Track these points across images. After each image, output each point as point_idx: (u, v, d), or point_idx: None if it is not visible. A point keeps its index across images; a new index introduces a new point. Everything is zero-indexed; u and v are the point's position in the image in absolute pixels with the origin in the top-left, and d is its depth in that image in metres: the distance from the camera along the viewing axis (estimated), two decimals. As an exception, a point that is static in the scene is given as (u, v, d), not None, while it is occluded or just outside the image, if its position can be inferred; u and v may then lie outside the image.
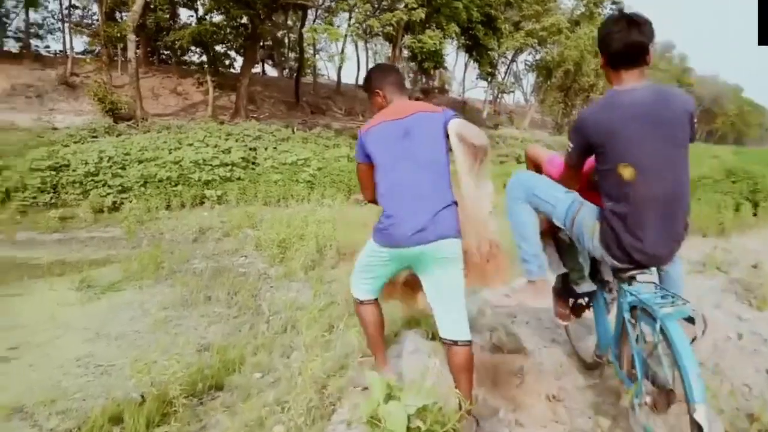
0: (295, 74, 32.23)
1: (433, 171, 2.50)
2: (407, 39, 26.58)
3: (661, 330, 2.09)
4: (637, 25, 2.21)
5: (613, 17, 2.31)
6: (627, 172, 2.17)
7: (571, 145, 2.35)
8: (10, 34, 29.71)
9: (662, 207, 2.19)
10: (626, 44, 2.20)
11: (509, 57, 39.44)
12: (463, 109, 40.14)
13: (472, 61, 37.05)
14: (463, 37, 30.86)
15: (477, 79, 40.34)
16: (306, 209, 11.27)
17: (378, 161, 2.58)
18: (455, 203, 2.52)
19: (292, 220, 9.39)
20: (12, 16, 29.24)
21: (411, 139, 2.54)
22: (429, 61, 27.62)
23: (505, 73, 41.85)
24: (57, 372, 3.91)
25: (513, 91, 47.26)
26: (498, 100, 44.82)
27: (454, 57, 41.54)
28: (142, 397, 3.16)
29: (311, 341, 3.53)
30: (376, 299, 2.84)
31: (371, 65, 38.11)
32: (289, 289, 6.07)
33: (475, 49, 32.86)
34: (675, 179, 2.21)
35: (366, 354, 3.18)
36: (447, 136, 2.56)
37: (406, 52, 29.46)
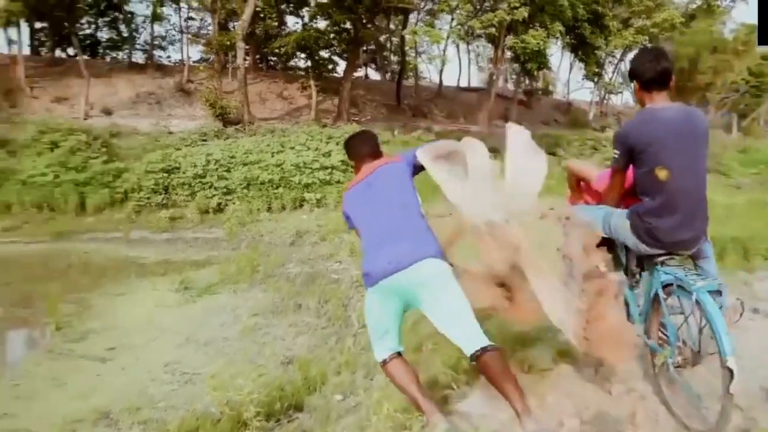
0: (396, 77, 32.33)
1: (398, 207, 2.76)
2: (510, 39, 25.68)
3: (695, 300, 2.52)
4: (663, 55, 2.79)
5: (642, 51, 2.92)
6: (662, 174, 2.66)
7: (618, 152, 2.83)
8: (138, 46, 32.37)
9: (689, 201, 2.71)
10: (657, 71, 2.73)
11: (617, 56, 37.04)
12: (567, 110, 38.48)
13: (577, 61, 35.33)
14: (568, 36, 29.40)
15: (583, 79, 38.37)
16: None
17: (354, 217, 2.88)
18: (429, 229, 2.73)
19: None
20: (140, 30, 31.90)
21: (374, 188, 2.86)
22: (532, 62, 26.52)
23: (613, 72, 39.43)
24: (145, 377, 3.96)
25: (621, 92, 44.34)
26: (605, 101, 42.40)
27: (559, 57, 39.99)
28: (221, 413, 3.07)
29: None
30: (399, 353, 2.73)
31: (472, 68, 37.35)
32: (380, 299, 5.87)
33: (580, 48, 31.20)
34: (698, 180, 2.75)
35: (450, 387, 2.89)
36: (414, 173, 2.95)
37: (508, 53, 28.56)
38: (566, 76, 51.69)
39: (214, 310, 5.64)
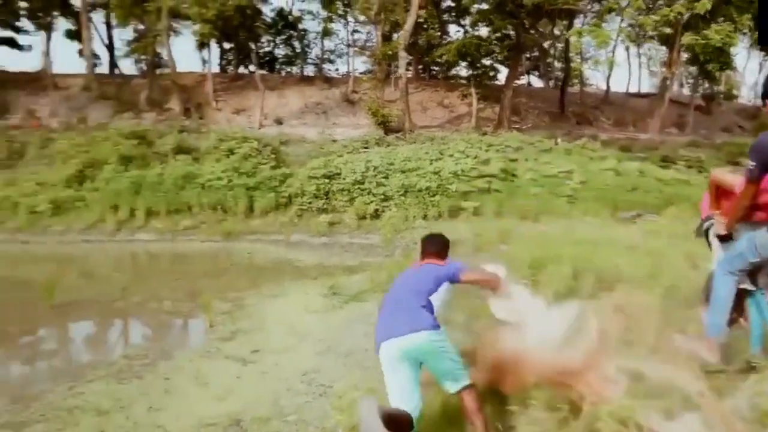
0: (560, 84, 30.79)
1: (409, 292, 3.14)
2: (687, 37, 22.60)
3: None
4: None
5: None
6: None
7: (753, 164, 2.87)
8: (309, 61, 34.74)
9: None
10: None
11: (825, 51, 31.66)
12: (755, 116, 33.71)
13: None
14: (758, 31, 25.41)
15: (774, 81, 33.19)
16: (564, 226, 10.23)
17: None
18: (425, 308, 3.05)
19: (548, 238, 8.50)
20: (312, 45, 34.19)
21: (408, 278, 3.33)
22: (713, 62, 22.97)
23: (822, 71, 33.85)
24: (282, 385, 3.82)
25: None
26: (800, 105, 36.30)
27: (744, 56, 34.71)
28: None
29: (542, 412, 2.73)
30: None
31: (643, 72, 34.24)
32: (536, 319, 5.26)
33: (772, 44, 26.90)
34: None
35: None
36: (448, 280, 3.27)
37: (684, 55, 25.34)
38: (754, 77, 45.37)
39: (359, 318, 5.44)
